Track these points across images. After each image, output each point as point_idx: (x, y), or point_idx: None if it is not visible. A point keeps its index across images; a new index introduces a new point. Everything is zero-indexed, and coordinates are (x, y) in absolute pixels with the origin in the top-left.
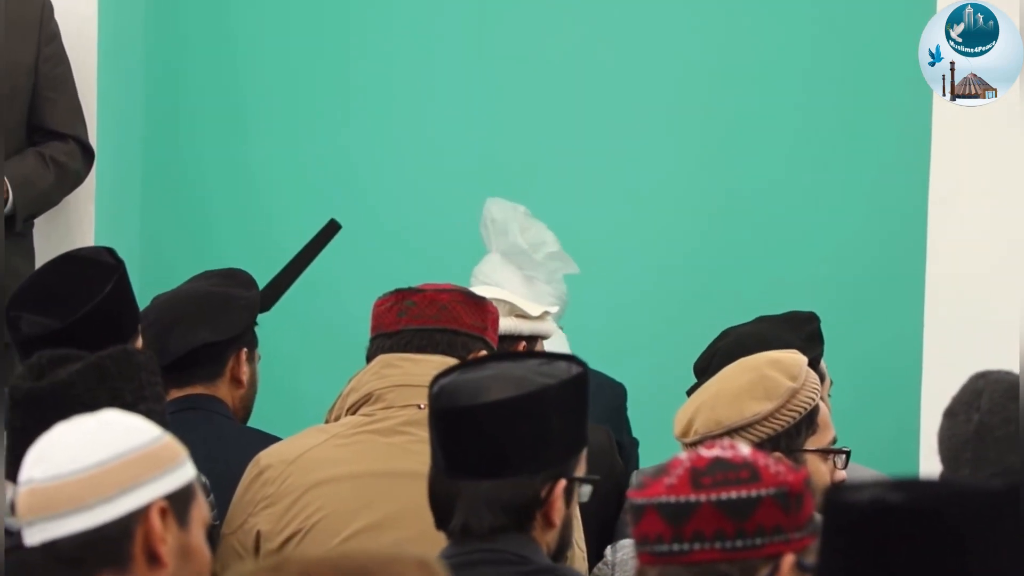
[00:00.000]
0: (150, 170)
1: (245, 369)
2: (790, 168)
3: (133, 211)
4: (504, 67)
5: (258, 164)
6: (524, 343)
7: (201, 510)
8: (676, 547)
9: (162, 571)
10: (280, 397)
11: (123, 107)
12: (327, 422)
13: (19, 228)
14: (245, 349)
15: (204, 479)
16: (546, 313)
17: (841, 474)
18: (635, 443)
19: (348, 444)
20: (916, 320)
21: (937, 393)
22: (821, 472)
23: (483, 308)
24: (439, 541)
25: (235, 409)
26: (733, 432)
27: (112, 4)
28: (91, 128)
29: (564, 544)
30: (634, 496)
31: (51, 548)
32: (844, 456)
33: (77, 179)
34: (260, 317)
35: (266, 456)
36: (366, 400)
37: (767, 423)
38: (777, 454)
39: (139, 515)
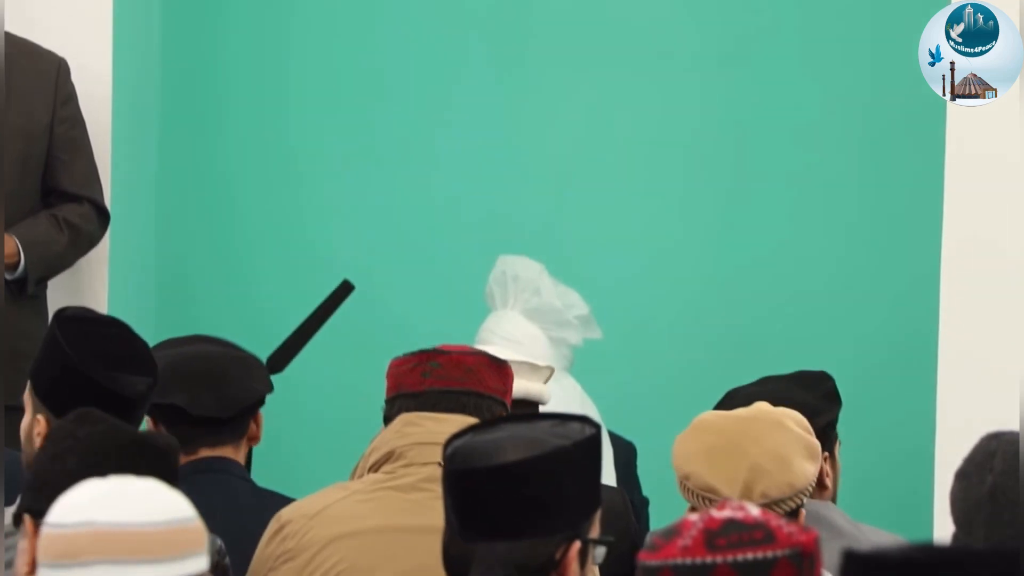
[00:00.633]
0: (164, 232)
1: (259, 427)
2: (802, 230)
3: (147, 273)
4: (516, 130)
5: (274, 224)
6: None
7: None
8: None
9: None
10: (299, 455)
11: (138, 169)
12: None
13: (31, 291)
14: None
15: (219, 542)
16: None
17: None
18: (645, 502)
19: (368, 500)
20: (929, 380)
21: (950, 454)
22: None
23: (505, 372)
24: None
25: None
26: (800, 494)
27: (127, 66)
28: (106, 190)
29: None
30: (647, 558)
31: None
32: None
33: (92, 241)
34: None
35: (287, 512)
36: (387, 458)
37: (811, 484)
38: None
39: None
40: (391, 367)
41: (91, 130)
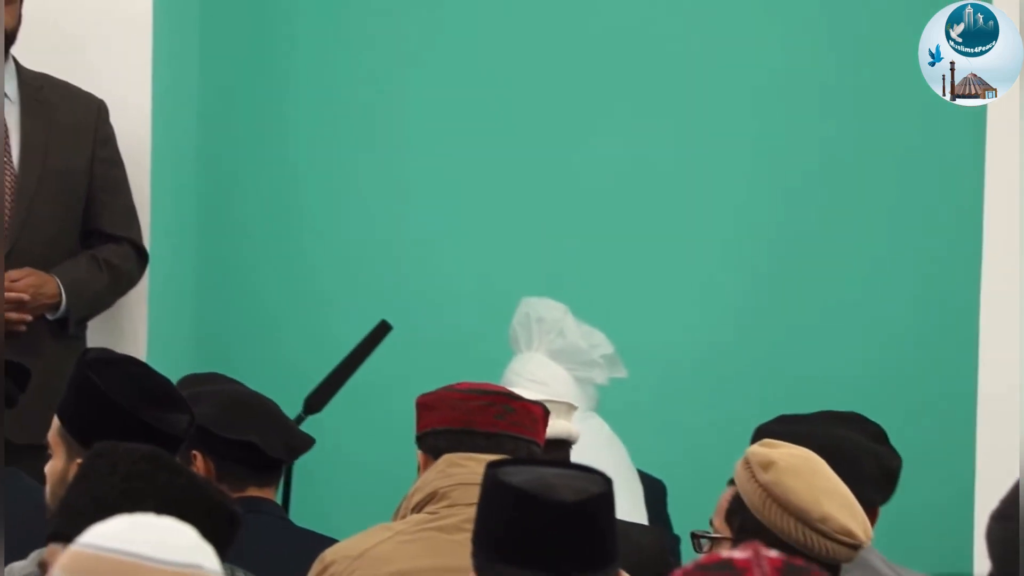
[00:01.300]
0: (203, 272)
1: None
2: (833, 269)
3: (186, 313)
4: (544, 170)
5: (311, 265)
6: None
7: None
8: None
9: None
10: (341, 497)
11: (177, 209)
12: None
13: (72, 331)
14: None
15: None
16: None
17: None
18: (676, 540)
19: (412, 541)
20: (968, 420)
21: (991, 498)
22: None
23: (547, 422)
24: None
25: None
26: None
27: (166, 105)
28: (145, 230)
29: None
30: None
31: None
32: None
33: (131, 281)
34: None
35: (331, 553)
36: (431, 499)
37: None
38: None
39: None
40: (451, 397)
41: (131, 170)
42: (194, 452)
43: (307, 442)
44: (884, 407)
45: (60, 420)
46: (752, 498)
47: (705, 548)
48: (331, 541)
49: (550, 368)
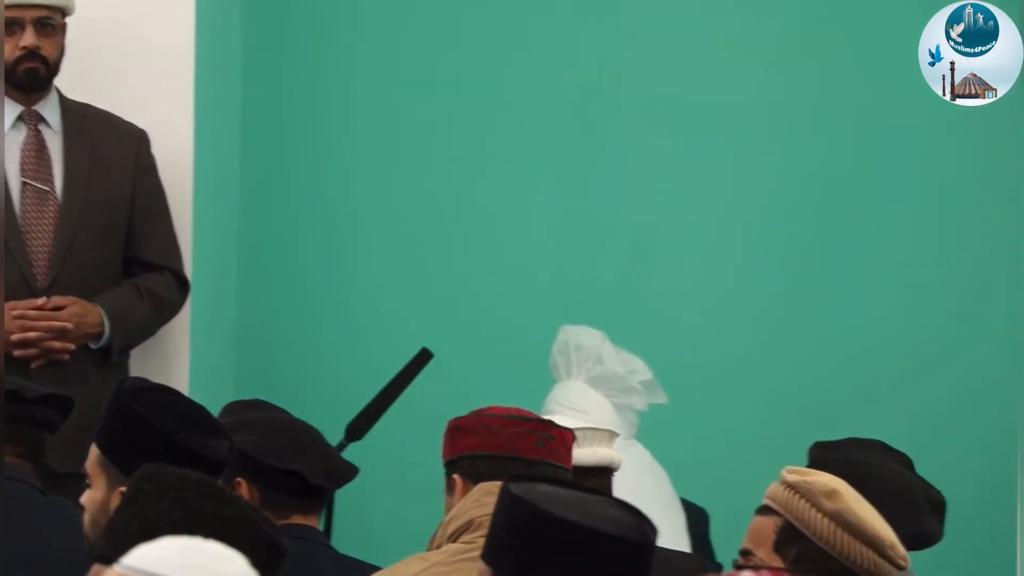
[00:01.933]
0: (244, 301)
1: None
2: (874, 293)
3: (228, 342)
4: (586, 194)
5: (355, 292)
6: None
7: None
8: None
9: None
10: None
11: (219, 237)
12: (428, 550)
13: (114, 359)
14: None
15: None
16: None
17: None
18: (719, 568)
19: (449, 572)
20: (1010, 431)
21: None
22: None
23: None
24: None
25: None
26: None
27: (207, 134)
28: (186, 259)
29: None
30: None
31: None
32: None
33: (172, 310)
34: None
35: None
36: (466, 528)
37: None
38: None
39: None
40: (492, 422)
41: (172, 200)
42: (238, 479)
43: (351, 471)
44: (917, 420)
45: (100, 449)
46: (816, 527)
47: None
48: (373, 568)
49: (590, 396)
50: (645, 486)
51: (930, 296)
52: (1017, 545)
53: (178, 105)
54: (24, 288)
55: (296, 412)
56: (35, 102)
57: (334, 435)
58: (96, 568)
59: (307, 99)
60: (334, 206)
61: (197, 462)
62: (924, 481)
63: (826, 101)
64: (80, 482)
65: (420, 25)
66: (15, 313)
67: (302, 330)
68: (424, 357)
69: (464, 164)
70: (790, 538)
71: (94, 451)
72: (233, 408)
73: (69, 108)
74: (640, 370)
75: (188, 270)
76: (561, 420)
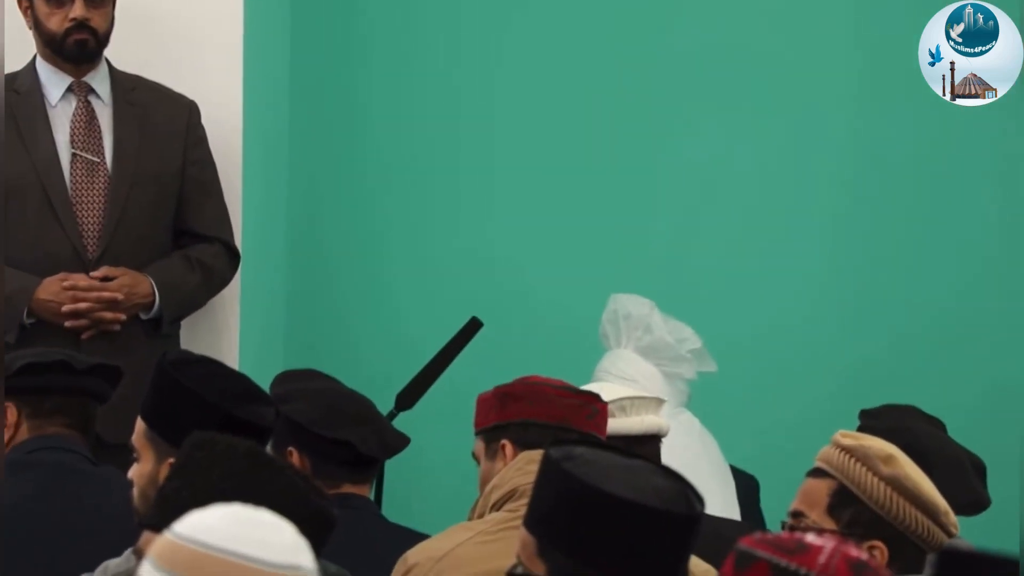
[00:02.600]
0: (295, 272)
1: None
2: (930, 263)
3: (278, 312)
4: (637, 165)
5: (401, 265)
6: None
7: None
8: None
9: None
10: (431, 492)
11: (268, 209)
12: (470, 519)
13: (165, 330)
14: None
15: None
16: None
17: None
18: None
19: (494, 540)
20: None
21: None
22: None
23: None
24: None
25: None
26: None
27: (257, 105)
28: (236, 230)
29: None
30: (774, 556)
31: None
32: None
33: (223, 281)
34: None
35: (413, 555)
36: (510, 496)
37: None
38: None
39: None
40: (545, 391)
41: (222, 170)
42: (290, 449)
43: (402, 441)
44: (982, 407)
45: (146, 423)
46: (872, 491)
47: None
48: (422, 536)
49: (639, 364)
50: (695, 454)
51: (991, 275)
52: None
53: (228, 76)
54: (75, 259)
55: (346, 382)
56: (84, 73)
57: (385, 405)
58: (147, 536)
59: (356, 68)
60: (385, 173)
61: (243, 429)
62: (963, 447)
63: (880, 84)
64: (130, 453)
65: (474, 4)
66: (66, 284)
67: (352, 300)
68: (474, 326)
69: (516, 134)
70: (844, 501)
71: (140, 425)
72: (284, 378)
73: (119, 79)
74: (690, 338)
75: (238, 241)
76: (610, 389)
